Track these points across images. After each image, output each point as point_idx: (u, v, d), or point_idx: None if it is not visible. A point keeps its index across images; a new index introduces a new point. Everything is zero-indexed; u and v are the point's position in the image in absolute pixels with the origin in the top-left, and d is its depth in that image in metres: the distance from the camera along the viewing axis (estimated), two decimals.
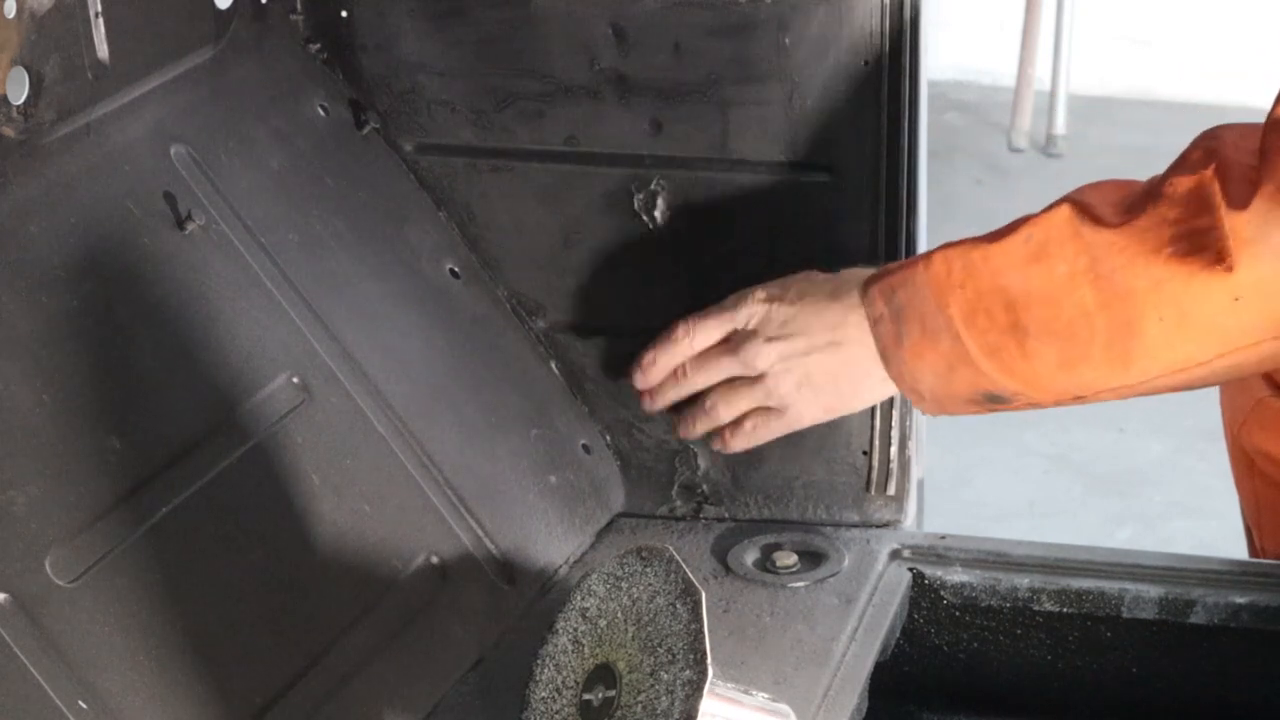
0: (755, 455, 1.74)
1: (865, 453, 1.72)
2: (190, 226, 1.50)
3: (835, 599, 1.63)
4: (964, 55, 5.43)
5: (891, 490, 1.72)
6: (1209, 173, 1.39)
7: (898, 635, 1.65)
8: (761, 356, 1.58)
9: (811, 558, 1.69)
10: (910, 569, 1.68)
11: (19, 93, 1.33)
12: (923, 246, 1.69)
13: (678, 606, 1.24)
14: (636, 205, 1.69)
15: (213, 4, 1.55)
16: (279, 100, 1.64)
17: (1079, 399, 1.50)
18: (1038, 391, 1.50)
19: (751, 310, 1.59)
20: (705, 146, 1.66)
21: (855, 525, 1.73)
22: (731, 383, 1.61)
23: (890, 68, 1.60)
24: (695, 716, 1.19)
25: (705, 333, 1.61)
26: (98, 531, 1.33)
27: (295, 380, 1.53)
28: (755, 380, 1.59)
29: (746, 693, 1.30)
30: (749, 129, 1.64)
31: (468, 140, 1.70)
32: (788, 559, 1.68)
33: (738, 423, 1.63)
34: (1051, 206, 1.47)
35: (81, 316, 1.39)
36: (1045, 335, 1.45)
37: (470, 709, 1.50)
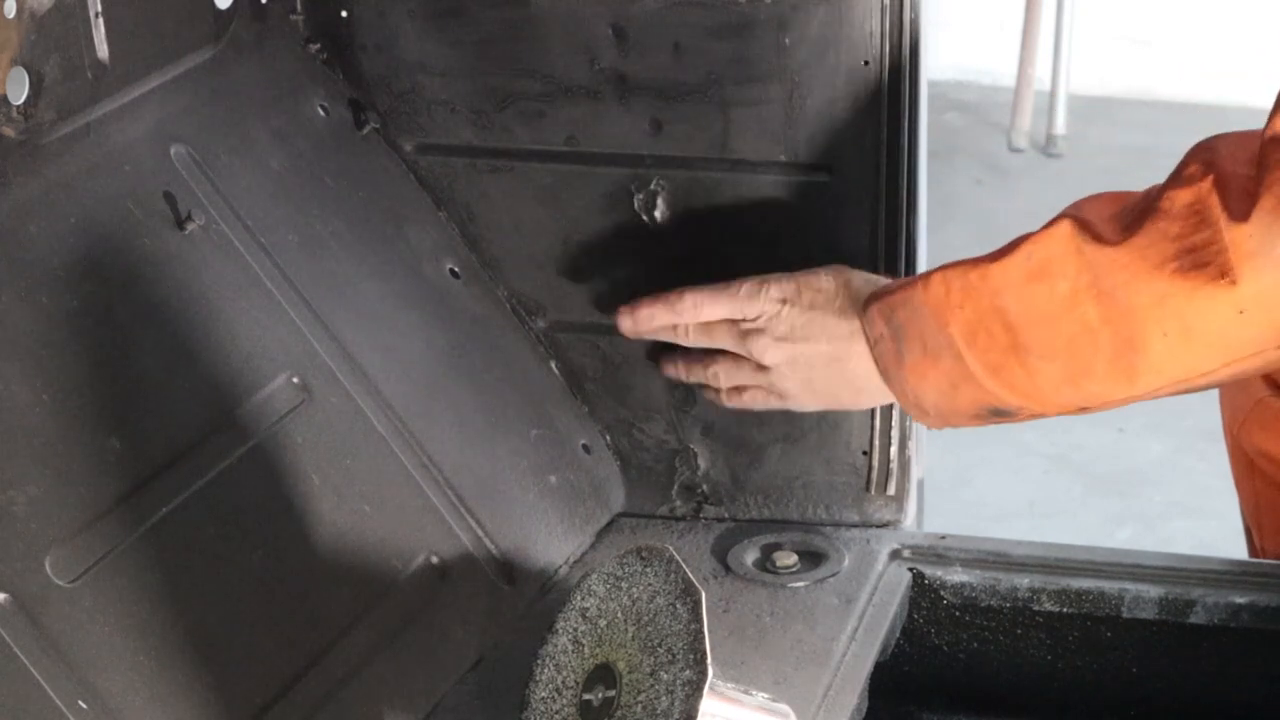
0: (755, 455, 1.74)
1: (865, 453, 1.72)
2: (190, 226, 1.50)
3: (835, 599, 1.63)
4: (964, 55, 5.43)
5: (891, 490, 1.72)
6: (1206, 185, 1.39)
7: (898, 635, 1.65)
8: (769, 353, 1.59)
9: (811, 558, 1.69)
10: (910, 569, 1.68)
11: (19, 93, 1.33)
12: (923, 246, 1.69)
13: (678, 606, 1.24)
14: (636, 205, 1.69)
15: (213, 4, 1.55)
16: (279, 100, 1.64)
17: (1084, 410, 1.50)
18: (1042, 405, 1.50)
19: (764, 307, 1.59)
20: (705, 146, 1.66)
21: (855, 525, 1.73)
22: (735, 358, 1.62)
23: (890, 67, 1.60)
24: (695, 716, 1.19)
25: (713, 309, 1.61)
26: (98, 531, 1.33)
27: (295, 380, 1.53)
28: (759, 367, 1.61)
29: (746, 693, 1.30)
30: (749, 129, 1.64)
31: (468, 140, 1.70)
32: (788, 559, 1.68)
33: (736, 389, 1.64)
34: (1051, 224, 1.46)
35: (81, 316, 1.39)
36: (1047, 353, 1.45)
37: (470, 709, 1.50)
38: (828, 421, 1.71)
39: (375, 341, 1.61)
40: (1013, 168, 5.14)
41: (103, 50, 1.40)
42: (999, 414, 1.52)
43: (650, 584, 1.27)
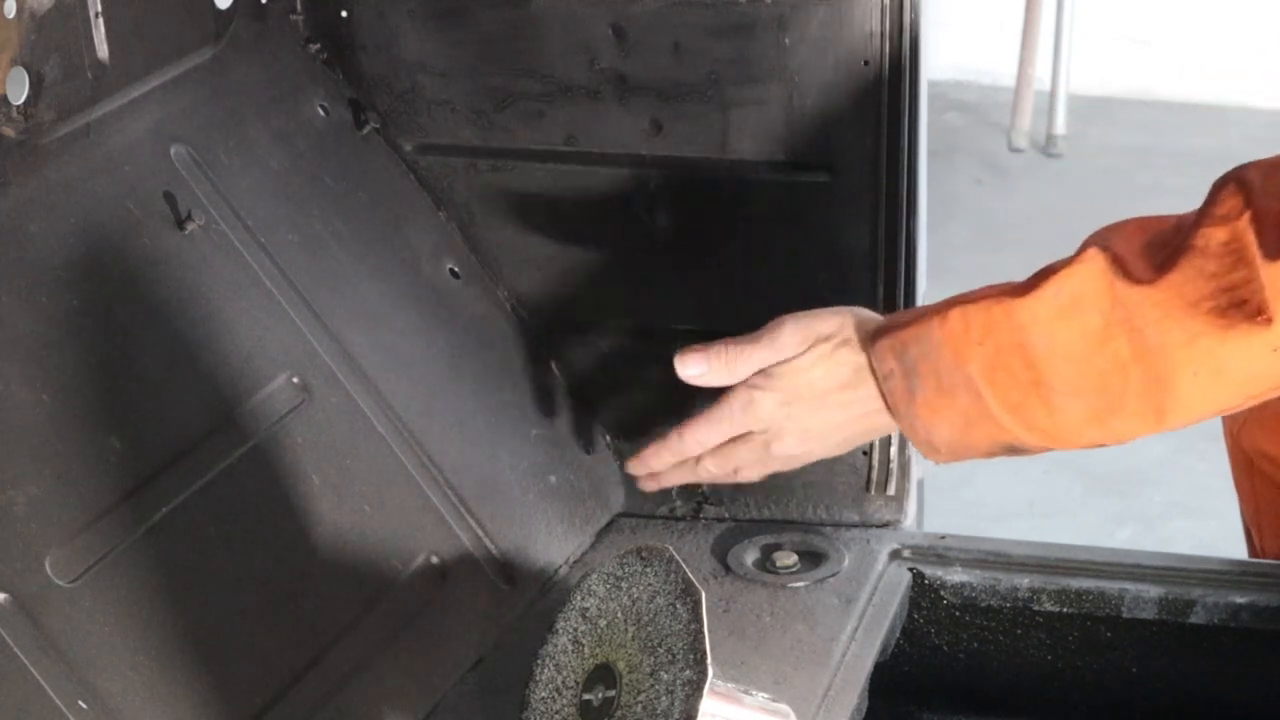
0: None
1: (865, 453, 1.72)
2: (190, 226, 1.50)
3: (835, 599, 1.63)
4: (964, 55, 5.43)
5: (891, 490, 1.72)
6: (1243, 223, 1.36)
7: (898, 635, 1.65)
8: (767, 417, 1.55)
9: (811, 558, 1.69)
10: (910, 569, 1.68)
11: (19, 93, 1.33)
12: (923, 246, 1.69)
13: (678, 606, 1.24)
14: (636, 205, 1.69)
15: (213, 4, 1.55)
16: (279, 100, 1.64)
17: (1099, 445, 1.48)
18: (1060, 443, 1.47)
19: (762, 418, 1.55)
20: (705, 146, 1.66)
21: (855, 525, 1.73)
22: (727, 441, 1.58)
23: (890, 67, 1.60)
24: (695, 716, 1.19)
25: (713, 436, 1.57)
26: (98, 531, 1.33)
27: (295, 380, 1.53)
28: (751, 435, 1.56)
29: (746, 693, 1.30)
30: (749, 129, 1.64)
31: (468, 140, 1.70)
32: (788, 559, 1.68)
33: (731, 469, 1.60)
34: (1079, 256, 1.42)
35: (81, 316, 1.39)
36: (1072, 390, 1.42)
37: (470, 709, 1.50)
38: None
39: (375, 341, 1.61)
40: (1013, 168, 5.13)
41: (103, 50, 1.40)
42: (1014, 450, 1.48)
43: (650, 584, 1.27)
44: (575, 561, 1.69)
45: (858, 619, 1.60)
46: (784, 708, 1.33)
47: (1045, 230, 4.22)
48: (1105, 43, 5.44)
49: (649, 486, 1.63)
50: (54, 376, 1.35)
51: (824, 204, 1.65)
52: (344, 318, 1.59)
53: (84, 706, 1.26)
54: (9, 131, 1.34)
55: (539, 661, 1.33)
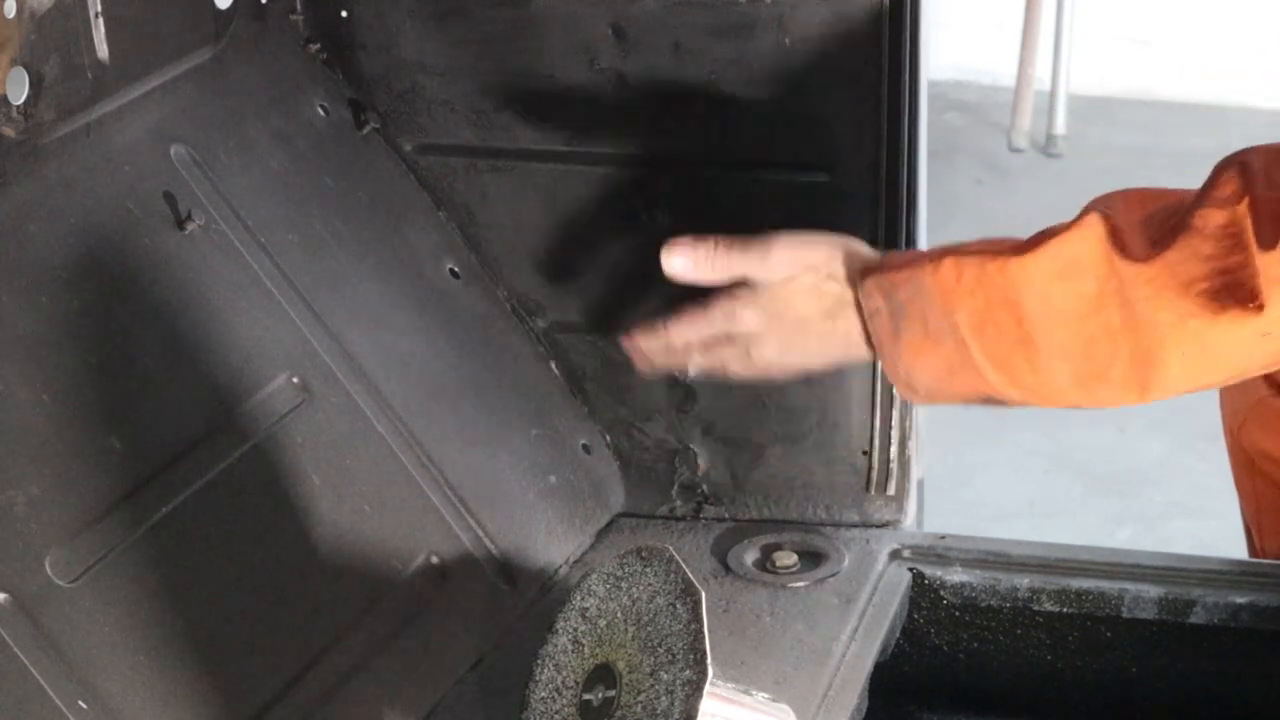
0: (755, 455, 1.74)
1: (865, 453, 1.72)
2: (190, 226, 1.50)
3: (835, 599, 1.63)
4: (964, 55, 5.43)
5: (891, 490, 1.72)
6: (1241, 208, 1.36)
7: (898, 635, 1.65)
8: (749, 322, 1.55)
9: (811, 558, 1.69)
10: (910, 569, 1.68)
11: (19, 93, 1.33)
12: (922, 246, 1.69)
13: (678, 606, 1.24)
14: (636, 205, 1.69)
15: (213, 4, 1.55)
16: (279, 100, 1.64)
17: (1080, 407, 1.49)
18: (1042, 401, 1.48)
19: (741, 325, 1.54)
20: (705, 146, 1.66)
21: (855, 525, 1.73)
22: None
23: (890, 68, 1.60)
24: (695, 716, 1.19)
25: (695, 333, 1.57)
26: (98, 531, 1.33)
27: (295, 380, 1.53)
28: (735, 338, 1.56)
29: (746, 693, 1.30)
30: (749, 129, 1.64)
31: (468, 140, 1.70)
32: (788, 559, 1.68)
33: (710, 348, 1.58)
34: (1080, 221, 1.43)
35: (81, 316, 1.39)
36: (1060, 353, 1.43)
37: (470, 709, 1.50)
38: (828, 421, 1.71)
39: (375, 341, 1.61)
40: (1013, 168, 5.13)
41: (103, 50, 1.40)
42: (992, 401, 1.50)
43: (650, 584, 1.27)
44: (575, 561, 1.69)
45: (858, 619, 1.60)
46: (784, 708, 1.33)
47: None
48: (1105, 43, 5.44)
49: (641, 366, 1.61)
50: (54, 376, 1.35)
51: (824, 204, 1.65)
52: (344, 318, 1.59)
53: (84, 706, 1.26)
54: (9, 131, 1.34)
55: (539, 661, 1.33)
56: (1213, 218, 1.37)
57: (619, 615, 1.28)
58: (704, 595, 1.23)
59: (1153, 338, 1.39)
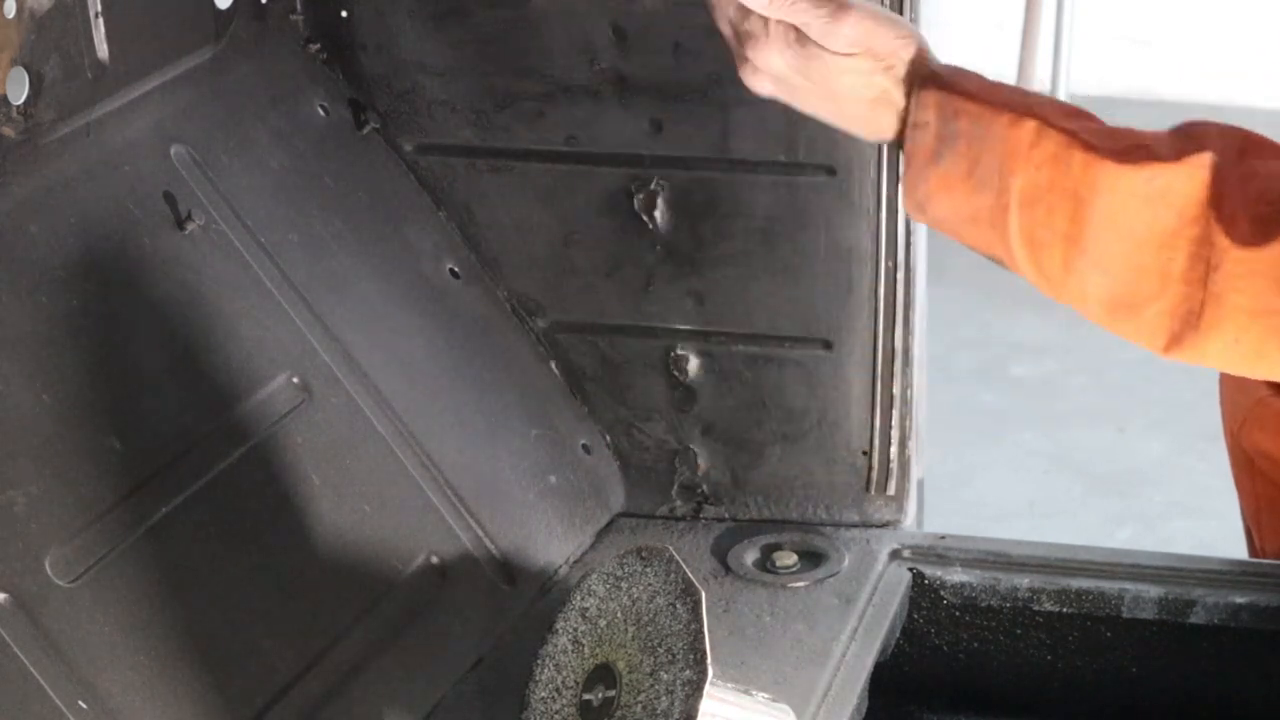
0: (755, 455, 1.74)
1: (865, 453, 1.72)
2: (190, 226, 1.50)
3: (835, 599, 1.63)
4: (964, 55, 5.43)
5: (891, 490, 1.72)
6: None
7: (898, 635, 1.65)
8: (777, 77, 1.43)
9: (811, 558, 1.69)
10: (910, 569, 1.68)
11: (19, 93, 1.33)
12: (922, 246, 1.69)
13: (678, 606, 1.24)
14: (636, 205, 1.69)
15: (213, 4, 1.55)
16: (279, 100, 1.64)
17: (1084, 315, 1.40)
18: (1053, 293, 1.39)
19: (769, 65, 1.41)
20: (705, 146, 1.66)
21: (855, 525, 1.73)
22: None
23: None
24: (695, 716, 1.19)
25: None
26: (98, 531, 1.33)
27: (295, 380, 1.53)
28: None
29: (746, 693, 1.30)
30: (749, 129, 1.64)
31: (468, 140, 1.70)
32: (788, 559, 1.68)
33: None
34: (1188, 159, 1.33)
35: (81, 316, 1.39)
36: (1103, 266, 1.34)
37: (470, 709, 1.50)
38: (828, 421, 1.71)
39: (375, 341, 1.61)
40: None
41: (103, 50, 1.40)
42: (997, 262, 1.41)
43: (650, 584, 1.27)
44: (575, 561, 1.69)
45: (858, 619, 1.60)
46: (784, 708, 1.33)
47: None
48: (1105, 43, 5.44)
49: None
50: (54, 376, 1.35)
51: (824, 204, 1.65)
52: (344, 318, 1.59)
53: (84, 706, 1.26)
54: (9, 131, 1.34)
55: (539, 661, 1.33)
56: None
57: (619, 615, 1.28)
58: (704, 595, 1.23)
59: (1215, 308, 1.32)
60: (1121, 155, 1.36)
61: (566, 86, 1.66)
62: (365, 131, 1.70)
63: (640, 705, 1.22)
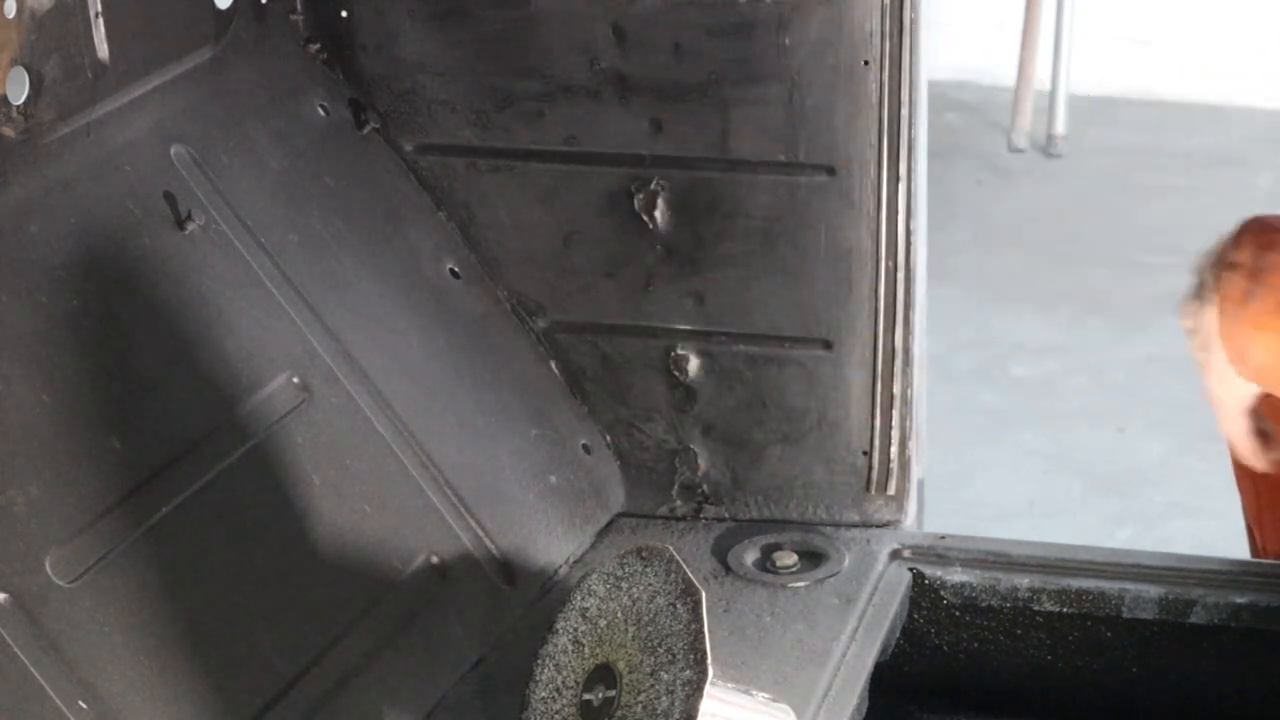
0: (755, 455, 1.74)
1: (865, 453, 1.72)
2: (190, 226, 1.50)
3: (835, 599, 1.63)
4: (964, 55, 5.42)
5: (891, 490, 1.72)
6: None
7: (898, 635, 1.65)
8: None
9: (811, 558, 1.69)
10: (910, 569, 1.68)
11: (19, 93, 1.33)
12: (922, 246, 1.69)
13: (678, 606, 1.24)
14: (636, 205, 1.69)
15: (213, 4, 1.55)
16: (279, 100, 1.64)
17: None
18: None
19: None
20: (705, 146, 1.66)
21: (855, 525, 1.73)
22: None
23: (890, 68, 1.60)
24: (695, 716, 1.19)
25: None
26: (98, 531, 1.33)
27: (295, 380, 1.53)
28: None
29: (746, 693, 1.30)
30: (749, 129, 1.64)
31: (468, 140, 1.70)
32: (788, 559, 1.68)
33: None
34: None
35: (81, 316, 1.39)
36: None
37: (470, 709, 1.50)
38: (828, 421, 1.71)
39: (375, 341, 1.61)
40: (1013, 168, 5.13)
41: (103, 50, 1.40)
42: None
43: (650, 584, 1.27)
44: (575, 561, 1.69)
45: (858, 619, 1.60)
46: (784, 708, 1.33)
47: (1045, 230, 4.22)
48: (1105, 43, 5.44)
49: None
50: (54, 376, 1.35)
51: (824, 204, 1.65)
52: (344, 318, 1.59)
53: (84, 706, 1.26)
54: (9, 131, 1.34)
55: (539, 661, 1.33)
56: None
57: (619, 615, 1.28)
58: (704, 595, 1.23)
59: None
60: None
61: (566, 86, 1.67)
62: (365, 131, 1.71)
63: (640, 705, 1.22)
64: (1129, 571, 1.65)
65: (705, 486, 1.77)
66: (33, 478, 1.30)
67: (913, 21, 1.60)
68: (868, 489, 1.73)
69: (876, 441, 1.71)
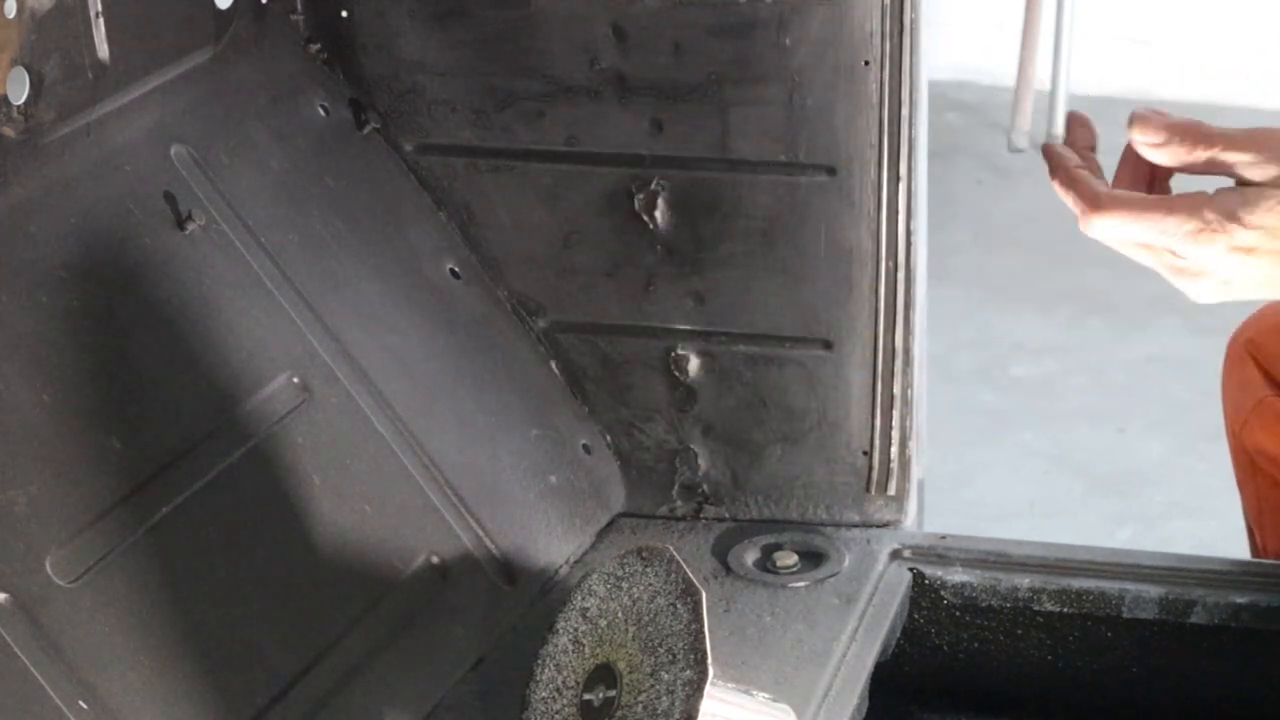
0: (755, 455, 1.74)
1: (865, 453, 1.72)
2: (190, 226, 1.50)
3: (835, 599, 1.63)
4: (964, 55, 5.42)
5: (891, 490, 1.72)
6: None
7: (898, 635, 1.65)
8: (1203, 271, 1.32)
9: (812, 558, 1.69)
10: (910, 569, 1.68)
11: (19, 93, 1.33)
12: (922, 246, 1.69)
13: (678, 606, 1.24)
14: (636, 205, 1.69)
15: (213, 4, 1.55)
16: (279, 100, 1.64)
17: None
18: None
19: (1202, 261, 1.29)
20: (705, 146, 1.66)
21: (855, 525, 1.73)
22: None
23: (890, 68, 1.60)
24: (695, 716, 1.19)
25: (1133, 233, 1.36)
26: (98, 531, 1.33)
27: (295, 380, 1.53)
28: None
29: (747, 693, 1.30)
30: (749, 129, 1.64)
31: (468, 140, 1.70)
32: (788, 559, 1.68)
33: None
34: None
35: (81, 316, 1.39)
36: None
37: (470, 709, 1.50)
38: (828, 421, 1.71)
39: (375, 341, 1.61)
40: (1013, 168, 5.13)
41: (103, 50, 1.40)
42: None
43: (651, 584, 1.27)
44: (575, 561, 1.69)
45: (858, 619, 1.60)
46: (784, 708, 1.33)
47: (1045, 230, 4.22)
48: (1105, 43, 5.44)
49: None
50: (54, 376, 1.35)
51: (824, 204, 1.65)
52: (344, 318, 1.59)
53: (84, 706, 1.26)
54: (9, 131, 1.34)
55: (539, 661, 1.33)
56: None
57: (619, 615, 1.28)
58: (704, 595, 1.23)
59: None
60: None
61: (566, 86, 1.66)
62: (365, 131, 1.70)
63: (641, 705, 1.22)
64: (1129, 571, 1.65)
65: (705, 486, 1.77)
66: (33, 478, 1.30)
67: (913, 21, 1.60)
68: (868, 489, 1.73)
69: (877, 441, 1.71)
